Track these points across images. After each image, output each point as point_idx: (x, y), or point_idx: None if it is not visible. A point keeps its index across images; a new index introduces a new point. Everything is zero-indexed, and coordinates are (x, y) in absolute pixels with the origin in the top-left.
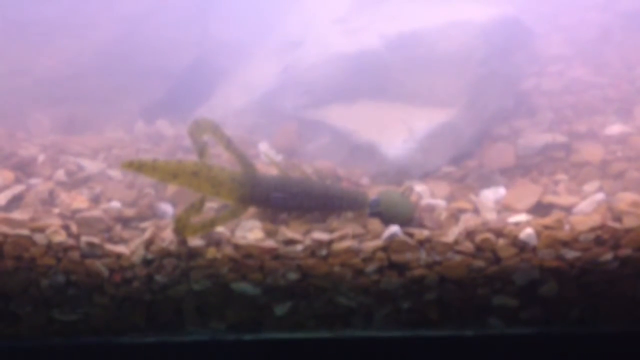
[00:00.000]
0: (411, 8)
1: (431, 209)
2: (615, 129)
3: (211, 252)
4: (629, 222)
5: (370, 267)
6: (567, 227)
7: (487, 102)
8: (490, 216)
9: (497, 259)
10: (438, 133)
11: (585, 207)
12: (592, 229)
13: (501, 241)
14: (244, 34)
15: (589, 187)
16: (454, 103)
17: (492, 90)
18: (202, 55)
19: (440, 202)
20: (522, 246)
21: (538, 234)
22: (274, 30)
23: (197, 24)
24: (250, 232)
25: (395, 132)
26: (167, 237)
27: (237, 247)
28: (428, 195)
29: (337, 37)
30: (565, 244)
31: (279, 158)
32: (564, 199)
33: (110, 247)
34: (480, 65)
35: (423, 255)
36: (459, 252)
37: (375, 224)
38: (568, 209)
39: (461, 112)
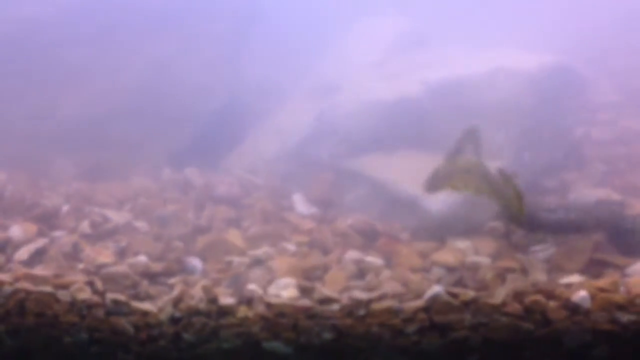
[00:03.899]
0: (451, 53)
1: (476, 267)
2: None
3: (243, 311)
4: None
5: (411, 328)
6: (622, 289)
7: (536, 154)
8: (540, 277)
9: (547, 322)
10: None
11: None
12: None
13: (552, 303)
14: (279, 77)
15: None
16: (500, 154)
17: (541, 141)
18: (234, 99)
19: (485, 260)
20: (574, 309)
21: (592, 296)
22: (309, 73)
23: (229, 67)
24: (285, 289)
25: None
26: (197, 294)
27: (269, 305)
28: (472, 252)
29: (375, 83)
30: (621, 307)
31: (312, 210)
32: (617, 258)
33: (136, 304)
34: (528, 116)
35: (468, 317)
36: (506, 314)
37: None
38: (622, 268)
39: (508, 164)
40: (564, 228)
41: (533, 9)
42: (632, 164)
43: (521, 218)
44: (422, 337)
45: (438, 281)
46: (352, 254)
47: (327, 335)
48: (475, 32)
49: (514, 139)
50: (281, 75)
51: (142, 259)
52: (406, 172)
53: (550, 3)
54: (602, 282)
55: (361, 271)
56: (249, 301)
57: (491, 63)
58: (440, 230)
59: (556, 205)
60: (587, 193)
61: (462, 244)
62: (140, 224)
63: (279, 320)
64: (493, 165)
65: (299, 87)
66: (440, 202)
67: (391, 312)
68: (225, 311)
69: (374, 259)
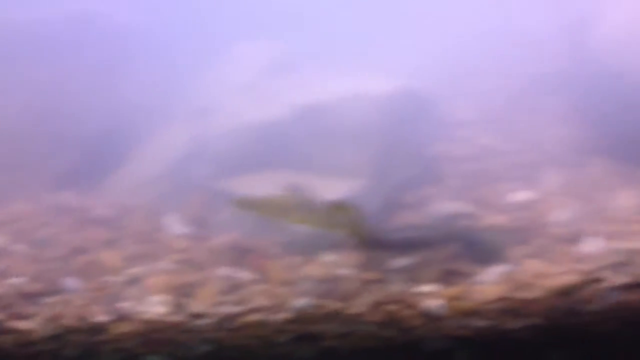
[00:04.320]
0: (318, 78)
1: (341, 279)
2: (521, 195)
3: (117, 327)
4: (531, 292)
5: (282, 338)
6: (473, 296)
7: (393, 172)
8: (399, 287)
9: (406, 329)
10: None
11: (490, 277)
12: (496, 300)
13: (408, 311)
14: (159, 99)
15: None
16: (360, 174)
17: (398, 159)
18: (116, 121)
19: (351, 273)
20: (429, 316)
21: (445, 304)
22: (187, 96)
23: (110, 90)
24: (157, 306)
25: None
26: (73, 312)
27: (142, 322)
28: (339, 265)
29: (245, 106)
30: (472, 313)
31: (187, 229)
32: (470, 267)
33: (14, 323)
34: (384, 136)
35: (334, 326)
36: (367, 323)
37: None
38: (474, 277)
39: (367, 183)
40: (413, 245)
41: (400, 33)
42: (485, 179)
43: (366, 241)
44: (295, 347)
45: (305, 293)
46: (224, 270)
47: (204, 348)
48: (344, 55)
49: (372, 159)
50: (161, 98)
51: (19, 280)
52: (274, 192)
53: (415, 27)
54: (454, 290)
55: (232, 286)
56: (122, 318)
57: (350, 87)
58: (309, 245)
59: (406, 224)
60: (442, 207)
61: (330, 257)
62: (19, 247)
63: (153, 335)
64: (351, 185)
65: (177, 109)
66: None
67: (261, 324)
68: (100, 328)
69: (244, 275)
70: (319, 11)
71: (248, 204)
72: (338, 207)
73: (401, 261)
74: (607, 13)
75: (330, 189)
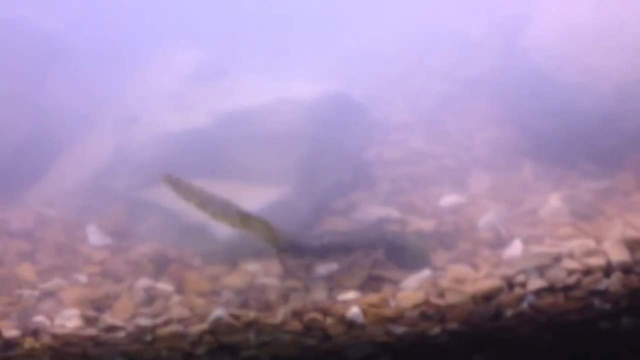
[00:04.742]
0: (245, 84)
1: (263, 288)
2: (450, 199)
3: (29, 342)
4: (451, 298)
5: (200, 350)
6: (393, 303)
7: (323, 177)
8: (321, 295)
9: (327, 337)
10: (270, 210)
11: (412, 283)
12: (416, 306)
13: (329, 320)
14: (82, 108)
15: None
16: (287, 180)
17: (327, 164)
18: (37, 131)
19: (273, 281)
20: (350, 324)
21: (365, 311)
22: (111, 104)
23: (32, 99)
24: (70, 320)
25: None
26: None
27: (55, 336)
28: (261, 274)
29: (169, 114)
30: (392, 320)
31: (107, 241)
32: (394, 273)
33: None
34: (311, 141)
35: (252, 336)
36: (287, 332)
37: None
38: (397, 283)
39: (294, 189)
40: (331, 251)
41: (332, 36)
42: (415, 183)
43: (284, 247)
44: (213, 358)
45: (225, 304)
46: (143, 282)
47: None
48: (273, 61)
49: (299, 164)
50: (84, 107)
51: None
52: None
53: (348, 30)
54: (373, 298)
55: (151, 298)
56: (34, 333)
57: (277, 93)
58: (231, 254)
59: (334, 229)
60: (371, 212)
61: (252, 266)
62: None
63: (66, 349)
64: (277, 191)
65: (101, 118)
66: (226, 228)
67: (177, 336)
68: (12, 343)
69: (164, 286)
70: (250, 15)
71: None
72: (245, 219)
73: (324, 268)
74: (539, 14)
75: (255, 195)
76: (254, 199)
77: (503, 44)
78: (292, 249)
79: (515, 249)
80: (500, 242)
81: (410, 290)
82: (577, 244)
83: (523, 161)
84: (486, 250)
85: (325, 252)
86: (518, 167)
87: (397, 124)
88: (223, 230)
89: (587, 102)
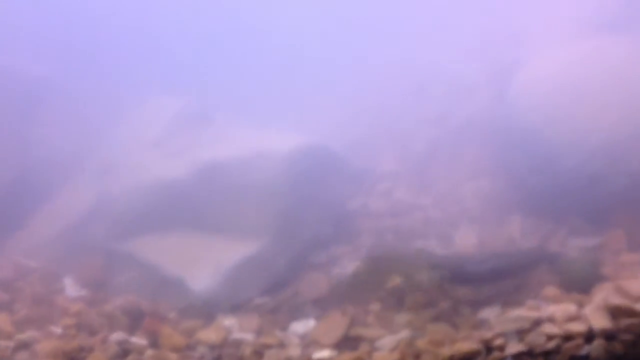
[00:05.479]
0: (228, 133)
1: (238, 344)
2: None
3: None
4: None
5: None
6: None
7: (301, 230)
8: (294, 352)
9: None
10: (247, 264)
11: (389, 342)
12: None
13: None
14: (68, 153)
15: (400, 317)
16: (264, 233)
17: (306, 217)
18: (20, 179)
19: (248, 337)
20: None
21: None
22: (94, 151)
23: (15, 146)
24: None
25: (202, 265)
26: None
27: None
28: (237, 329)
29: (151, 163)
30: None
31: (82, 292)
32: (371, 331)
33: None
34: (288, 194)
35: None
36: None
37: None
38: (374, 342)
39: (272, 242)
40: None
41: (323, 82)
42: (399, 236)
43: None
44: None
45: (199, 359)
46: (117, 335)
47: None
48: (260, 109)
49: (275, 218)
50: (67, 154)
51: None
52: (174, 254)
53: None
54: (348, 357)
55: (124, 352)
56: None
57: (255, 144)
58: (208, 308)
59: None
60: (351, 267)
61: (229, 321)
62: None
63: None
64: (254, 245)
65: (84, 164)
66: (203, 282)
67: None
68: None
69: (138, 340)
70: (236, 65)
71: None
72: None
73: (301, 325)
74: (530, 60)
75: (233, 249)
76: (230, 252)
77: (494, 89)
78: (456, 277)
79: (493, 310)
80: (483, 301)
81: (386, 350)
82: (558, 309)
83: (511, 215)
84: (467, 309)
85: (492, 276)
86: (506, 222)
87: (384, 173)
88: (199, 284)
89: (574, 159)
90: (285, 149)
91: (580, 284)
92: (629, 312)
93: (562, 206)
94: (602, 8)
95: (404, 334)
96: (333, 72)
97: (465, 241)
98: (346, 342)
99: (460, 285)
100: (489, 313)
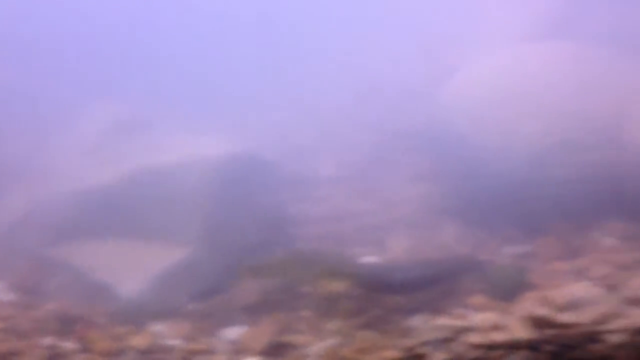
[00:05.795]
0: (164, 139)
1: (167, 349)
2: (368, 260)
3: None
4: None
5: None
6: None
7: (234, 237)
8: (222, 358)
9: None
10: (178, 270)
11: (317, 349)
12: None
13: None
14: (1, 159)
15: (331, 324)
16: (196, 240)
17: (240, 224)
18: None
19: (178, 342)
20: None
21: None
22: (30, 157)
23: None
24: None
25: (133, 271)
26: None
27: None
28: (166, 335)
29: (85, 170)
30: None
31: (12, 297)
32: (301, 338)
33: None
34: (217, 201)
35: None
36: None
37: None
38: (302, 349)
39: (203, 249)
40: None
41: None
42: (336, 242)
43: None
44: None
45: None
46: (47, 340)
47: None
48: (200, 114)
49: (205, 224)
50: (3, 160)
51: None
52: (106, 259)
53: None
54: None
55: (54, 356)
56: None
57: (186, 151)
58: (138, 314)
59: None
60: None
61: (159, 326)
62: None
63: None
64: (184, 251)
65: (17, 172)
66: (132, 287)
67: None
68: None
69: (68, 344)
70: (180, 70)
71: None
72: None
73: (232, 331)
74: (464, 66)
75: (163, 255)
76: (161, 258)
77: (434, 95)
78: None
79: (422, 317)
80: (412, 309)
81: (314, 357)
82: (482, 317)
83: (446, 222)
84: (397, 317)
85: (421, 284)
86: (439, 226)
87: (324, 179)
88: (130, 290)
89: (504, 165)
90: (215, 155)
91: (507, 293)
92: (551, 323)
93: (495, 212)
94: (538, 14)
95: (333, 341)
96: (276, 76)
97: (398, 247)
98: (275, 349)
99: (391, 293)
100: (417, 321)
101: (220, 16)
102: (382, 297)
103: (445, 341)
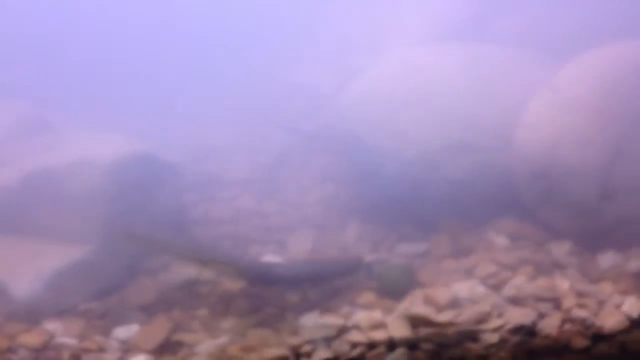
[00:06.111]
0: (64, 140)
1: (59, 347)
2: (267, 260)
3: None
4: None
5: None
6: None
7: (133, 238)
8: (112, 356)
9: None
10: (72, 270)
11: (207, 348)
12: None
13: None
14: None
15: (225, 323)
16: (91, 240)
17: (138, 225)
18: None
19: (71, 341)
20: None
21: None
22: None
23: None
24: None
25: (26, 270)
26: None
27: None
28: (61, 333)
29: None
30: None
31: None
32: (192, 337)
33: None
34: (113, 202)
35: None
36: None
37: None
38: (192, 347)
39: (98, 249)
40: (304, 280)
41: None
42: (236, 243)
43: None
44: None
45: None
46: None
47: None
48: (103, 115)
49: (100, 225)
50: None
51: None
52: (0, 258)
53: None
54: None
55: None
56: None
57: (82, 151)
58: (32, 313)
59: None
60: (179, 273)
61: (53, 325)
62: None
63: None
64: (80, 251)
65: None
66: (25, 287)
67: None
68: None
69: None
70: (85, 68)
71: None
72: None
73: (125, 330)
74: (365, 69)
75: (57, 255)
76: (55, 258)
77: (339, 99)
78: (262, 280)
79: (312, 316)
80: (305, 307)
81: (204, 356)
82: (364, 316)
83: (349, 222)
84: (291, 315)
85: (297, 281)
86: (343, 228)
87: (232, 180)
88: (22, 289)
89: (394, 167)
90: (115, 155)
91: (396, 291)
92: (427, 322)
93: (393, 213)
94: (445, 16)
95: (223, 339)
96: (186, 78)
97: (300, 248)
98: (167, 348)
99: (287, 292)
100: (307, 319)
101: (128, 19)
102: (278, 295)
103: (329, 339)
